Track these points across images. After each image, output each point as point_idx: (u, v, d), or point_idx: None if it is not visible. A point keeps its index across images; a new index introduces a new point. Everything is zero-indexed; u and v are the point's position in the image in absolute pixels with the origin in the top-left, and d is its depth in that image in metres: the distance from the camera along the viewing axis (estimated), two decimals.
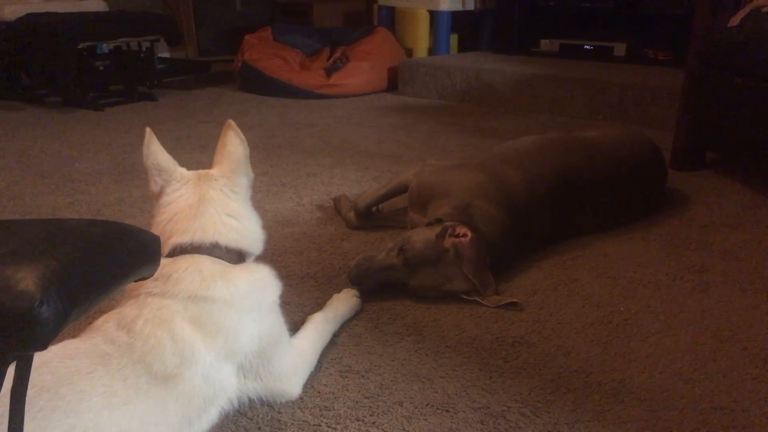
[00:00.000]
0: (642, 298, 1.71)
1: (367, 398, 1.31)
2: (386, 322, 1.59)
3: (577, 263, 1.90)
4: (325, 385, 1.35)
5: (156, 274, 1.09)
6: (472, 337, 1.52)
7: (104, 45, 4.31)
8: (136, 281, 0.75)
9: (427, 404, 1.29)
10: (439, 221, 1.77)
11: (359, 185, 2.56)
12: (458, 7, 4.75)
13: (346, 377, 1.37)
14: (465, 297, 1.69)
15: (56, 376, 0.96)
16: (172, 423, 1.08)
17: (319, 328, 1.50)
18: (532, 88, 3.93)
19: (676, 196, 2.44)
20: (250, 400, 1.25)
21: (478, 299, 1.67)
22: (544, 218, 1.95)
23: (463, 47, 5.01)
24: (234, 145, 1.32)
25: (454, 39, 4.94)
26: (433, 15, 4.77)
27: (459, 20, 4.86)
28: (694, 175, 2.69)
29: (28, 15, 4.01)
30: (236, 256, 1.26)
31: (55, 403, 0.93)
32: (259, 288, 1.27)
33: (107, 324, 1.10)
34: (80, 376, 0.98)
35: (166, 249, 1.22)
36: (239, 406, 1.23)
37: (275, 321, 1.30)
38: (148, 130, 1.32)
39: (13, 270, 0.59)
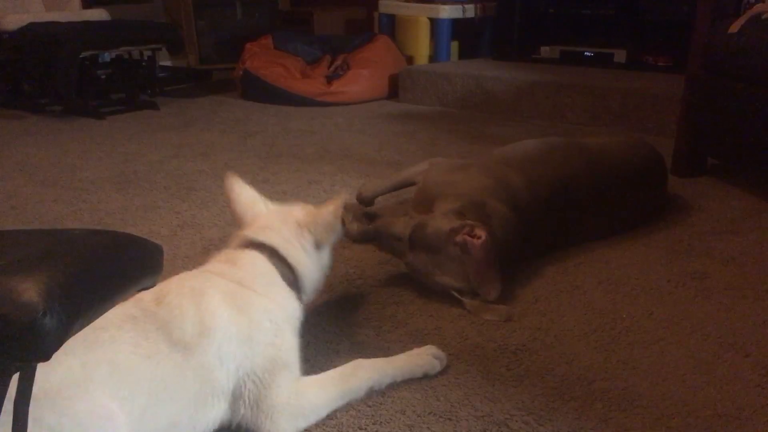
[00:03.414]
0: (644, 304, 1.70)
1: (370, 407, 1.30)
2: (388, 330, 1.59)
3: (579, 270, 1.90)
4: None
5: (224, 257, 1.32)
6: (475, 345, 1.52)
7: (106, 54, 4.31)
8: (137, 291, 0.75)
9: (430, 413, 1.29)
10: (461, 215, 1.76)
11: None
12: (458, 15, 4.76)
13: None
14: (454, 294, 1.68)
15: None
16: (189, 393, 1.14)
17: (347, 376, 1.33)
18: (532, 95, 3.93)
19: (678, 203, 2.44)
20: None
21: (462, 300, 1.67)
22: (545, 224, 1.95)
23: (463, 54, 5.02)
24: (327, 212, 1.43)
25: (454, 46, 4.95)
26: (434, 22, 4.78)
27: (459, 27, 4.87)
28: (695, 182, 2.68)
29: (30, 24, 4.02)
30: (287, 271, 1.37)
31: (94, 339, 1.05)
32: (291, 305, 1.35)
33: (147, 293, 1.17)
34: (112, 326, 1.09)
35: (237, 240, 1.39)
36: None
37: (294, 347, 1.30)
38: (229, 176, 1.49)
39: (16, 281, 0.59)
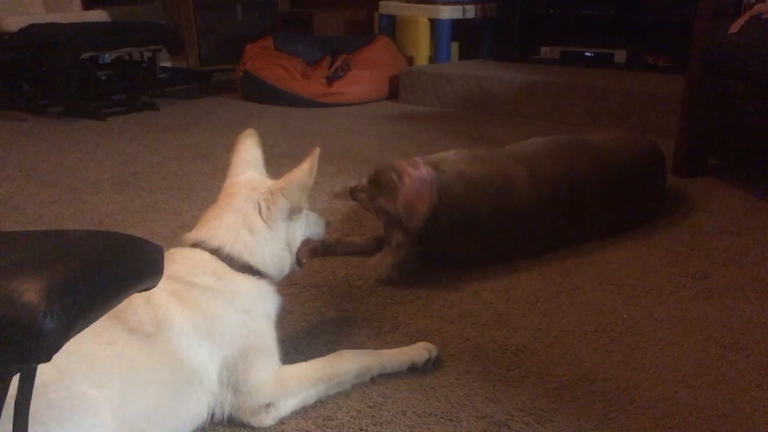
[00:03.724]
0: (645, 305, 1.70)
1: (370, 407, 1.30)
2: (388, 331, 1.59)
3: (579, 271, 1.90)
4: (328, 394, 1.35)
5: (168, 256, 1.20)
6: (475, 346, 1.52)
7: (106, 55, 4.32)
8: (139, 291, 0.75)
9: (430, 413, 1.29)
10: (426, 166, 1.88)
11: None
12: (459, 15, 4.76)
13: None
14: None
15: None
16: (161, 379, 1.13)
17: (333, 365, 1.34)
18: (533, 96, 3.93)
19: (678, 203, 2.44)
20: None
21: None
22: (547, 220, 1.96)
23: (463, 55, 5.02)
24: (300, 171, 1.34)
25: (454, 47, 4.95)
26: (434, 23, 4.78)
27: (459, 28, 4.87)
28: (696, 182, 2.68)
29: (30, 26, 4.02)
30: (242, 268, 1.29)
31: None
32: (252, 292, 1.29)
33: None
34: None
35: (185, 241, 1.32)
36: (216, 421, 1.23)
37: (266, 332, 1.30)
38: (250, 131, 1.46)
39: (17, 282, 0.59)
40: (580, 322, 1.62)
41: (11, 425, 0.65)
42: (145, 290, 0.77)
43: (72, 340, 1.01)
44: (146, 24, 4.44)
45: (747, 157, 2.53)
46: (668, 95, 3.38)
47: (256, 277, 1.31)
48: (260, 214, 1.32)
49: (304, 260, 1.47)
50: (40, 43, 3.87)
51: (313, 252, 1.93)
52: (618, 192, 2.10)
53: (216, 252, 1.28)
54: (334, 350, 1.49)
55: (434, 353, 1.44)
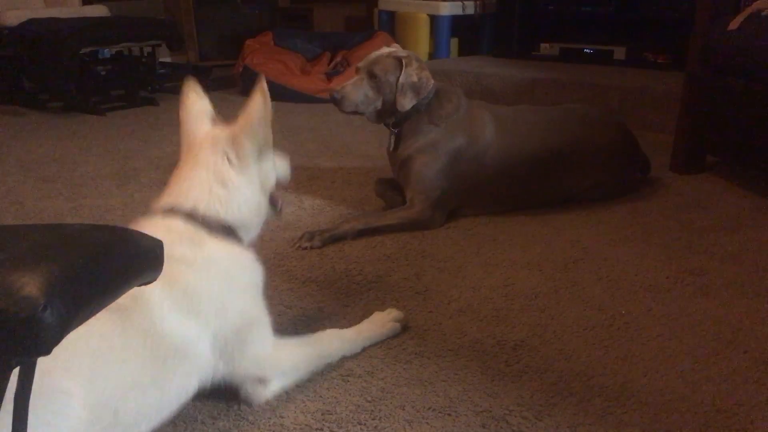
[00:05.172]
0: (643, 301, 1.71)
1: (369, 402, 1.31)
2: None
3: (577, 267, 1.90)
4: (327, 389, 1.35)
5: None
6: (474, 341, 1.52)
7: (106, 50, 4.32)
8: (139, 285, 0.75)
9: (429, 408, 1.29)
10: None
11: (361, 189, 2.56)
12: (458, 12, 4.76)
13: (348, 381, 1.37)
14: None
15: None
16: (140, 353, 1.08)
17: (324, 341, 1.41)
18: (532, 92, 3.93)
19: (676, 200, 2.44)
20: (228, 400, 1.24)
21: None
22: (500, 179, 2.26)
23: (463, 51, 5.01)
24: (254, 104, 1.25)
25: (454, 43, 4.94)
26: (434, 19, 4.77)
27: (459, 24, 4.86)
28: (695, 179, 2.69)
29: (30, 20, 4.01)
30: (219, 229, 1.23)
31: None
32: (232, 259, 1.23)
33: None
34: None
35: (156, 210, 1.24)
36: (217, 389, 1.23)
37: (253, 304, 1.26)
38: (191, 82, 1.34)
39: (16, 275, 0.59)
40: (579, 318, 1.62)
41: (11, 420, 0.65)
42: (144, 284, 0.77)
43: None
44: (146, 19, 4.44)
45: (745, 154, 2.53)
46: (667, 92, 3.39)
47: (233, 242, 1.24)
48: (229, 163, 1.25)
49: (280, 203, 1.42)
50: (40, 38, 3.86)
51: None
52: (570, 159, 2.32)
53: (191, 215, 1.21)
54: None
55: (402, 321, 1.55)
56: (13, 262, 0.62)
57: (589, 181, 2.35)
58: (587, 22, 4.52)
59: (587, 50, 4.43)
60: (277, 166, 1.39)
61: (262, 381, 1.27)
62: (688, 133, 2.74)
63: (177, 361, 1.13)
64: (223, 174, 1.24)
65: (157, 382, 1.11)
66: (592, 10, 4.44)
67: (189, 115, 1.32)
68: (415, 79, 2.15)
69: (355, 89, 2.17)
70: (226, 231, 1.24)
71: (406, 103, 2.16)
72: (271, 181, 1.35)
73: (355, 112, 2.21)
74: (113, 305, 1.05)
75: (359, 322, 1.57)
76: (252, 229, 1.32)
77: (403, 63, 2.16)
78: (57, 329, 0.59)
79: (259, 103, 1.25)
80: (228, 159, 1.25)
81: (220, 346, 1.19)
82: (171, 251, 1.15)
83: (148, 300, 1.10)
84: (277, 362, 1.28)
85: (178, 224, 1.20)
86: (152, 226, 1.18)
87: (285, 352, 1.31)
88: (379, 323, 1.52)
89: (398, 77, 2.15)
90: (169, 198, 1.24)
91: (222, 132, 1.29)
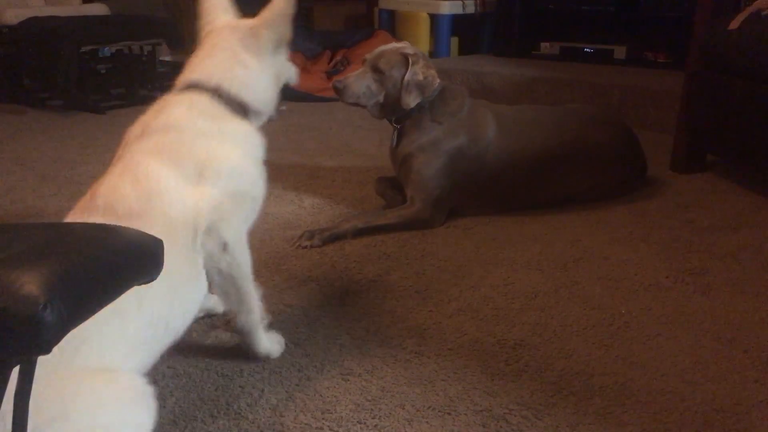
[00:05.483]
0: (643, 300, 1.71)
1: (369, 401, 1.31)
2: (387, 325, 1.59)
3: (577, 266, 1.90)
4: (327, 387, 1.35)
5: (159, 104, 1.28)
6: (474, 340, 1.52)
7: (106, 48, 4.30)
8: (139, 285, 0.75)
9: (429, 407, 1.29)
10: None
11: (361, 188, 2.56)
12: (458, 11, 4.76)
13: (348, 380, 1.38)
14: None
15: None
16: (182, 261, 1.17)
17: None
18: (532, 91, 3.93)
19: (676, 199, 2.44)
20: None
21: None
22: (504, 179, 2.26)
23: (463, 50, 5.01)
24: (279, 1, 1.34)
25: (454, 42, 4.94)
26: (434, 18, 4.77)
27: (459, 23, 4.86)
28: (695, 178, 2.69)
29: (30, 19, 4.01)
30: (238, 107, 1.32)
31: None
32: (250, 138, 1.34)
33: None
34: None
35: (179, 85, 1.34)
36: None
37: (259, 181, 1.34)
38: None
39: (17, 274, 0.59)
40: (579, 317, 1.62)
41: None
42: (145, 283, 0.77)
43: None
44: (146, 18, 4.43)
45: (746, 154, 2.53)
46: (667, 91, 3.38)
47: (246, 120, 1.35)
48: (248, 50, 1.34)
49: (282, 107, 1.52)
50: (40, 36, 3.86)
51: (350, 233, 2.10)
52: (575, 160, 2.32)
53: (216, 91, 1.30)
54: (333, 344, 1.51)
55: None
56: (13, 261, 0.62)
57: (590, 182, 2.35)
58: (587, 21, 4.52)
59: (587, 49, 4.43)
60: (288, 68, 1.48)
61: (222, 249, 1.27)
62: (688, 132, 2.73)
63: (194, 248, 1.20)
64: (243, 58, 1.34)
65: (192, 281, 1.20)
66: (593, 9, 4.44)
67: (210, 6, 1.41)
68: (420, 77, 2.15)
69: (358, 81, 2.17)
70: (244, 110, 1.34)
71: (411, 101, 2.16)
72: (284, 76, 1.45)
73: (357, 104, 2.21)
74: (129, 215, 1.12)
75: (359, 321, 1.57)
76: (261, 115, 1.41)
77: (410, 61, 2.16)
78: (57, 328, 0.59)
79: (284, 2, 1.34)
80: (247, 46, 1.34)
81: (217, 205, 1.23)
82: (194, 125, 1.24)
83: (166, 190, 1.18)
84: (240, 237, 1.32)
85: (201, 99, 1.30)
86: (177, 100, 1.29)
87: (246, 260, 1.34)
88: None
89: (403, 74, 2.15)
90: (191, 75, 1.34)
91: (242, 23, 1.38)
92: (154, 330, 1.12)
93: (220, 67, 1.32)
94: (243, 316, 1.36)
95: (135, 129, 1.31)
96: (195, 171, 1.21)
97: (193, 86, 1.31)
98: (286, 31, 1.37)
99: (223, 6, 1.42)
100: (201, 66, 1.33)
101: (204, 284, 1.27)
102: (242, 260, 1.32)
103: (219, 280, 1.30)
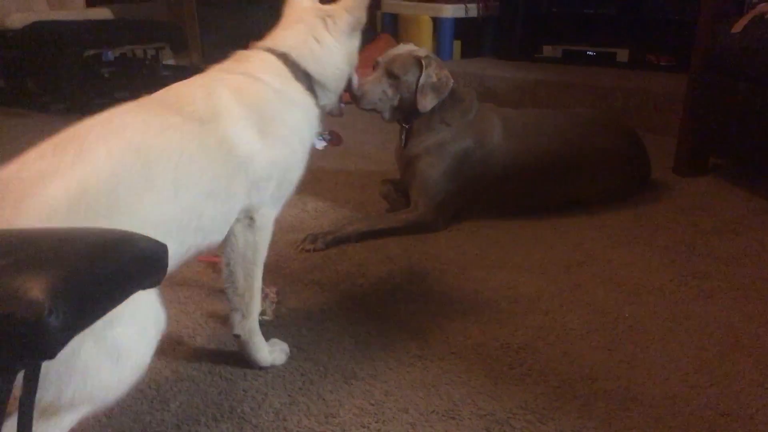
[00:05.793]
0: (647, 304, 1.70)
1: (372, 405, 1.31)
2: (391, 329, 1.59)
3: (581, 269, 1.90)
4: (330, 391, 1.35)
5: (236, 56, 1.38)
6: (477, 344, 1.52)
7: (110, 52, 4.32)
8: (144, 289, 0.76)
9: (432, 411, 1.29)
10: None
11: (364, 191, 2.57)
12: (461, 14, 4.75)
13: (351, 384, 1.38)
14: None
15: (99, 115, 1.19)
16: (216, 161, 1.19)
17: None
18: (535, 94, 3.93)
19: (680, 202, 2.44)
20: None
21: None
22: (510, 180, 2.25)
23: (466, 53, 5.01)
24: None
25: (457, 45, 4.94)
26: (436, 21, 4.77)
27: (462, 26, 4.86)
28: (698, 181, 2.68)
29: (34, 23, 4.02)
30: (303, 77, 1.37)
31: (105, 130, 1.15)
32: (306, 108, 1.38)
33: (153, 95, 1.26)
34: (117, 116, 1.17)
35: (254, 46, 1.41)
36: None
37: (300, 167, 1.39)
38: None
39: (22, 279, 0.59)
40: (582, 321, 1.62)
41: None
42: (149, 288, 0.77)
43: (121, 134, 1.10)
44: (149, 22, 4.44)
45: (749, 156, 2.52)
46: (670, 94, 3.38)
47: (310, 94, 1.39)
48: (326, 27, 1.41)
49: (342, 105, 1.55)
50: (44, 40, 3.87)
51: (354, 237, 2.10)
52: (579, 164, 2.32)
53: (283, 57, 1.36)
54: (336, 348, 1.51)
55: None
56: (18, 267, 0.62)
57: (594, 186, 2.35)
58: (590, 24, 4.51)
59: (590, 52, 4.43)
60: (356, 57, 1.53)
61: (250, 220, 1.32)
62: (691, 135, 2.73)
63: (241, 176, 1.23)
64: (320, 33, 1.41)
65: (227, 191, 1.22)
66: (595, 12, 4.44)
67: None
68: (435, 79, 2.16)
69: (374, 87, 2.18)
70: (308, 82, 1.39)
71: (428, 103, 2.16)
72: (354, 61, 1.50)
73: (374, 110, 2.21)
74: (192, 118, 1.16)
75: (362, 325, 1.57)
76: (329, 94, 1.45)
77: (423, 63, 2.16)
78: (62, 333, 0.59)
79: None
80: (326, 24, 1.41)
81: (266, 174, 1.28)
82: (262, 76, 1.30)
83: (229, 114, 1.22)
84: (268, 220, 1.36)
85: (273, 59, 1.36)
86: (248, 56, 1.36)
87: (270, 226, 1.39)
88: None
89: (418, 77, 2.15)
90: (266, 42, 1.41)
91: (323, 6, 1.45)
92: (187, 218, 1.15)
93: (294, 39, 1.39)
94: (238, 317, 1.36)
95: (214, 66, 1.38)
96: (258, 124, 1.26)
97: (266, 50, 1.38)
98: (362, 17, 1.45)
99: None
100: (276, 36, 1.41)
101: (235, 210, 1.28)
102: (261, 245, 1.35)
103: (232, 257, 1.33)
